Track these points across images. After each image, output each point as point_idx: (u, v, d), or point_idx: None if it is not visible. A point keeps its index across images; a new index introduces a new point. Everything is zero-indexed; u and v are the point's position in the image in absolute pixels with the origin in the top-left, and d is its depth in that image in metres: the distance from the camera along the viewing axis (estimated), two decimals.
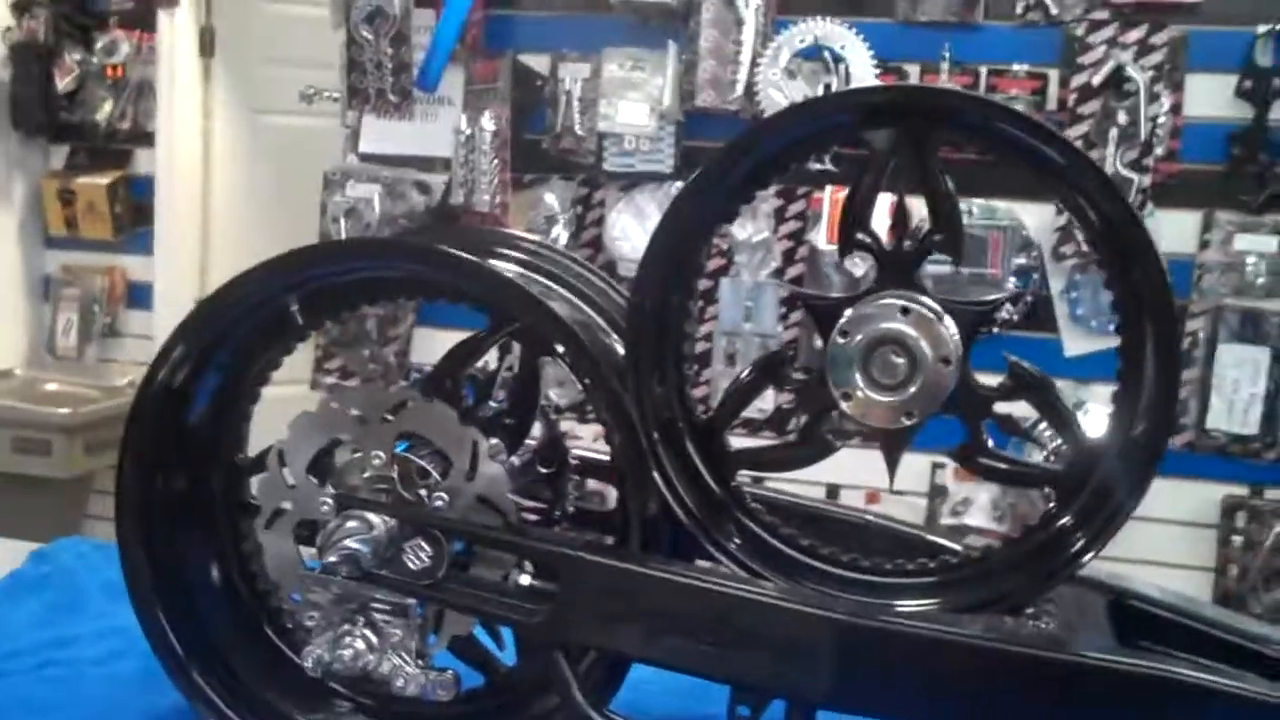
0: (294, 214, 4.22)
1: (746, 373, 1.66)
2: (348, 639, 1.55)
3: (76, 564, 2.34)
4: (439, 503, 1.57)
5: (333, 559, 1.51)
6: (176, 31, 4.84)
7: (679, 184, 3.79)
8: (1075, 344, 3.54)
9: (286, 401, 1.72)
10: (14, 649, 1.96)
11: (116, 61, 4.95)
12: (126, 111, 4.98)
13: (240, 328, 1.66)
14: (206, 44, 4.93)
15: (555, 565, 1.49)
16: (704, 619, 1.43)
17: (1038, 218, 3.67)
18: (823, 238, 3.63)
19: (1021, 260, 3.58)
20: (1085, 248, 3.44)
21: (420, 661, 1.57)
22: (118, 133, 5.02)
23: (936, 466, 3.70)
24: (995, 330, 3.51)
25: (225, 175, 5.05)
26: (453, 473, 1.57)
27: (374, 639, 1.55)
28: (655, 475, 1.54)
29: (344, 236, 3.79)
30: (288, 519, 1.62)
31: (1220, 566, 3.62)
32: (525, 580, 1.51)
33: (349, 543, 1.51)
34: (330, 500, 1.58)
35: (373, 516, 1.54)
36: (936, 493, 3.72)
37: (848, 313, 1.55)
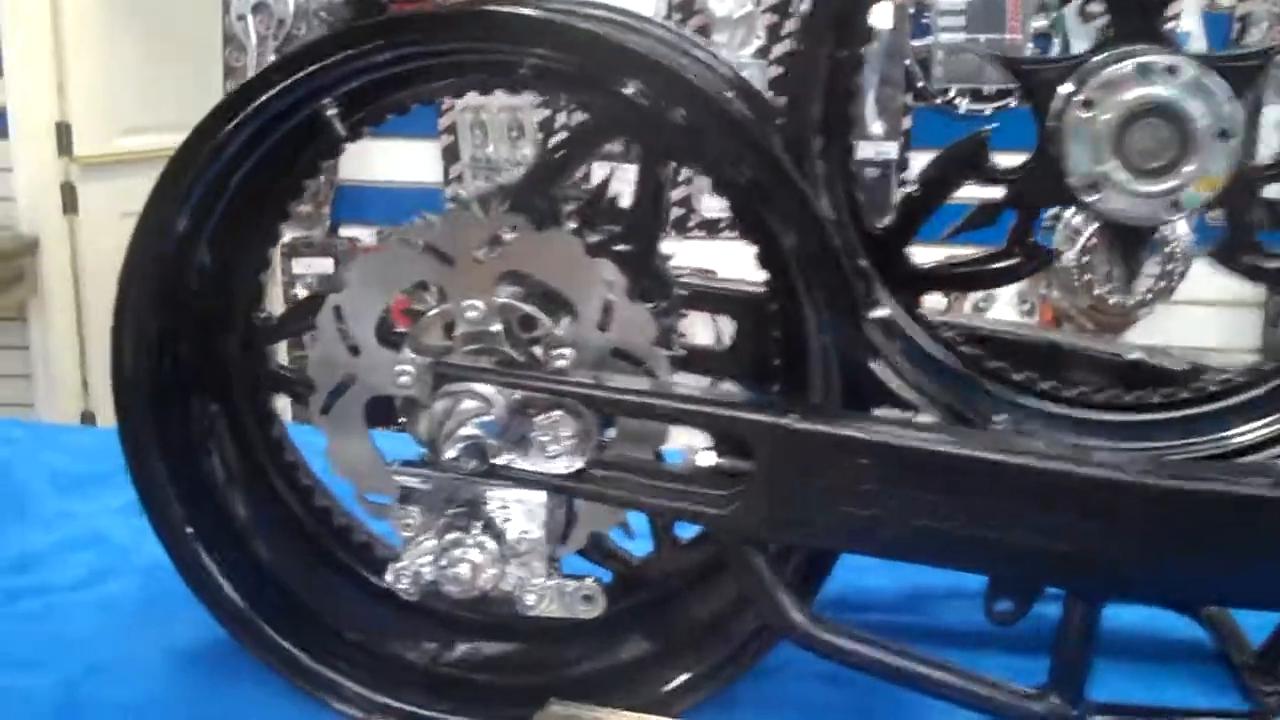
0: (172, 14, 3.64)
1: (932, 167, 1.27)
2: (458, 551, 1.16)
3: (8, 454, 1.89)
4: (560, 363, 1.18)
5: (452, 453, 1.11)
6: None
7: None
8: None
9: None
10: None
11: None
12: None
13: (253, 150, 1.22)
14: None
15: (750, 438, 1.11)
16: (968, 495, 1.07)
17: None
18: None
19: (1041, 23, 3.19)
20: None
21: (552, 570, 1.19)
22: None
23: None
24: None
25: None
26: (575, 322, 1.18)
27: (494, 547, 1.17)
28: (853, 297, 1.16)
29: (254, 35, 3.23)
30: (353, 398, 1.21)
31: None
32: (708, 460, 1.13)
33: (469, 428, 1.11)
34: (414, 369, 1.18)
35: (487, 389, 1.14)
36: None
37: (1087, 78, 1.17)
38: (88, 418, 4.36)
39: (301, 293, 3.62)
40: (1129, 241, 1.23)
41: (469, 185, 3.51)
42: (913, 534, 1.09)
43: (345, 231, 3.72)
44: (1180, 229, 3.04)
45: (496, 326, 1.18)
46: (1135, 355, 1.41)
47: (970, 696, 1.14)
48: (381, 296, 1.19)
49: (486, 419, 1.11)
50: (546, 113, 3.53)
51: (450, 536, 1.16)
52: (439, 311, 1.19)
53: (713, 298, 1.40)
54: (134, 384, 1.25)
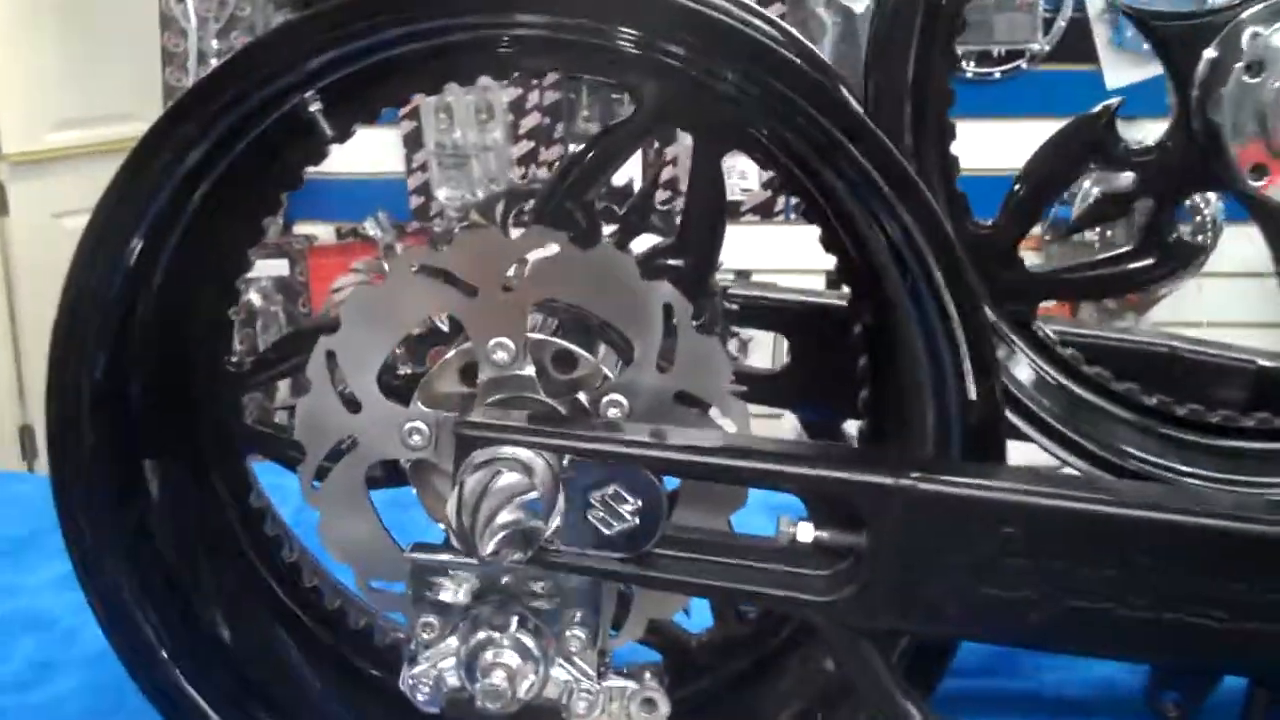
0: None
1: (1047, 153, 1.05)
2: (489, 653, 0.93)
3: None
4: (613, 411, 0.95)
5: (491, 546, 0.87)
6: None
7: None
8: (1118, 74, 2.96)
9: None
10: None
11: None
12: None
13: (220, 156, 0.97)
14: None
15: (862, 505, 0.88)
16: (1150, 567, 0.85)
17: None
18: None
19: None
20: None
21: (604, 668, 0.96)
22: None
23: None
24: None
25: None
26: (632, 360, 0.95)
27: (534, 645, 0.93)
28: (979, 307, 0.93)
29: (193, 17, 2.95)
30: (353, 464, 0.98)
31: None
32: (807, 534, 0.90)
33: (509, 512, 0.87)
34: (427, 428, 0.95)
35: (525, 453, 0.90)
36: None
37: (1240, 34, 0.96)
38: (26, 432, 4.07)
39: (255, 299, 3.34)
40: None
41: (434, 175, 3.24)
42: (1072, 618, 0.87)
43: (300, 229, 3.44)
44: (1211, 196, 2.83)
45: (529, 370, 0.95)
46: (1265, 362, 1.19)
47: None
48: (386, 338, 0.95)
49: (530, 497, 0.87)
50: (518, 92, 3.26)
51: (480, 636, 0.93)
52: (457, 353, 0.96)
53: (770, 312, 1.17)
54: (73, 437, 1.00)
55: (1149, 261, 1.04)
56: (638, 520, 0.90)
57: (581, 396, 0.96)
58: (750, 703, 1.10)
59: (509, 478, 0.87)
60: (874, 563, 0.88)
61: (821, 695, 1.04)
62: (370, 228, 3.18)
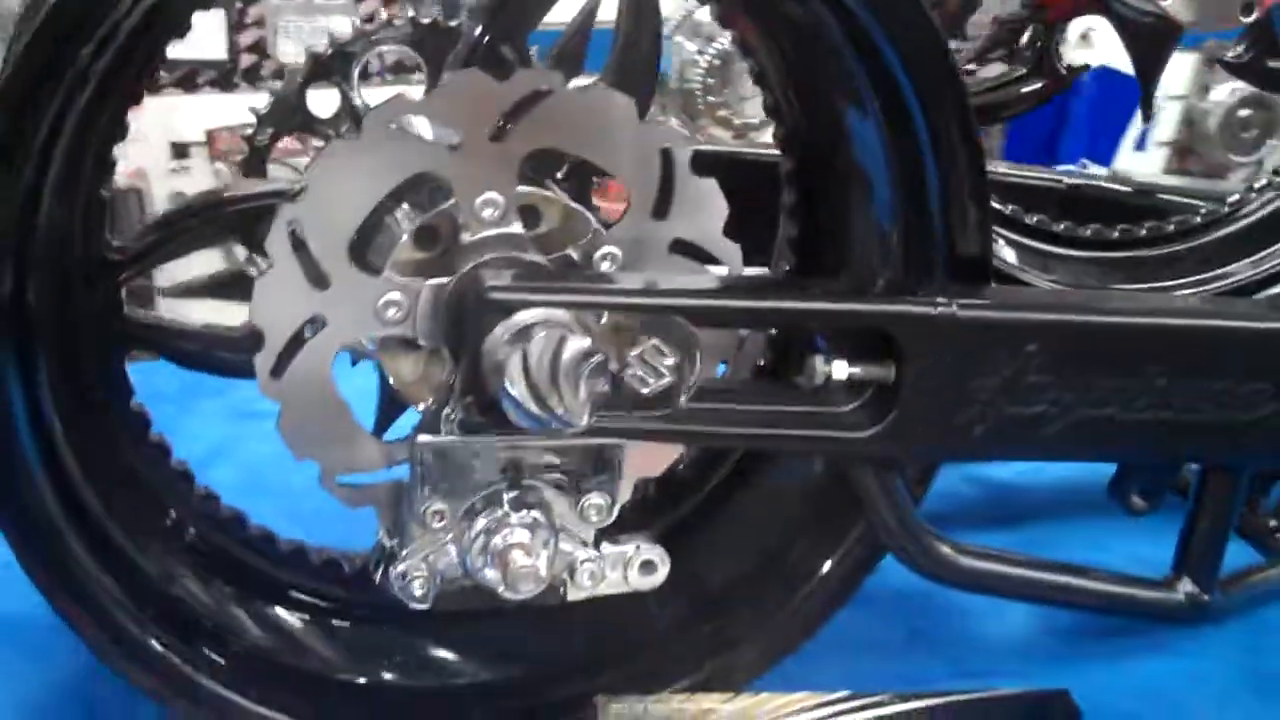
0: None
1: None
2: (500, 536, 0.85)
3: None
4: (606, 265, 0.88)
5: (586, 414, 0.79)
6: None
7: None
8: None
9: None
10: None
11: None
12: None
13: None
14: None
15: (901, 336, 0.87)
16: (1157, 370, 0.90)
17: None
18: None
19: None
20: None
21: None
22: None
23: None
24: None
25: None
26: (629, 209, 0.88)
27: (544, 522, 0.87)
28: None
29: None
30: (320, 348, 0.86)
31: None
32: (843, 371, 0.88)
33: (593, 376, 0.79)
34: (403, 297, 0.85)
35: (564, 317, 0.83)
36: None
37: None
38: None
39: None
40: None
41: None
42: (1081, 427, 0.90)
43: None
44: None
45: (516, 226, 0.87)
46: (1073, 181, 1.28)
47: (1110, 599, 1.00)
48: (359, 203, 0.84)
49: (599, 359, 0.80)
50: None
51: (484, 521, 0.86)
52: (439, 213, 0.86)
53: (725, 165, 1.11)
54: None
55: (1039, 84, 1.09)
56: (675, 375, 0.85)
57: (571, 251, 0.89)
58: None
59: (578, 341, 0.79)
60: (910, 393, 0.88)
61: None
62: None
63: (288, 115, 1.30)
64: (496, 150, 0.84)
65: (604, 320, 0.84)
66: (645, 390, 0.84)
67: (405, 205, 0.88)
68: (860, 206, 0.95)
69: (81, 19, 0.77)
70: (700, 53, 2.90)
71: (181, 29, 0.85)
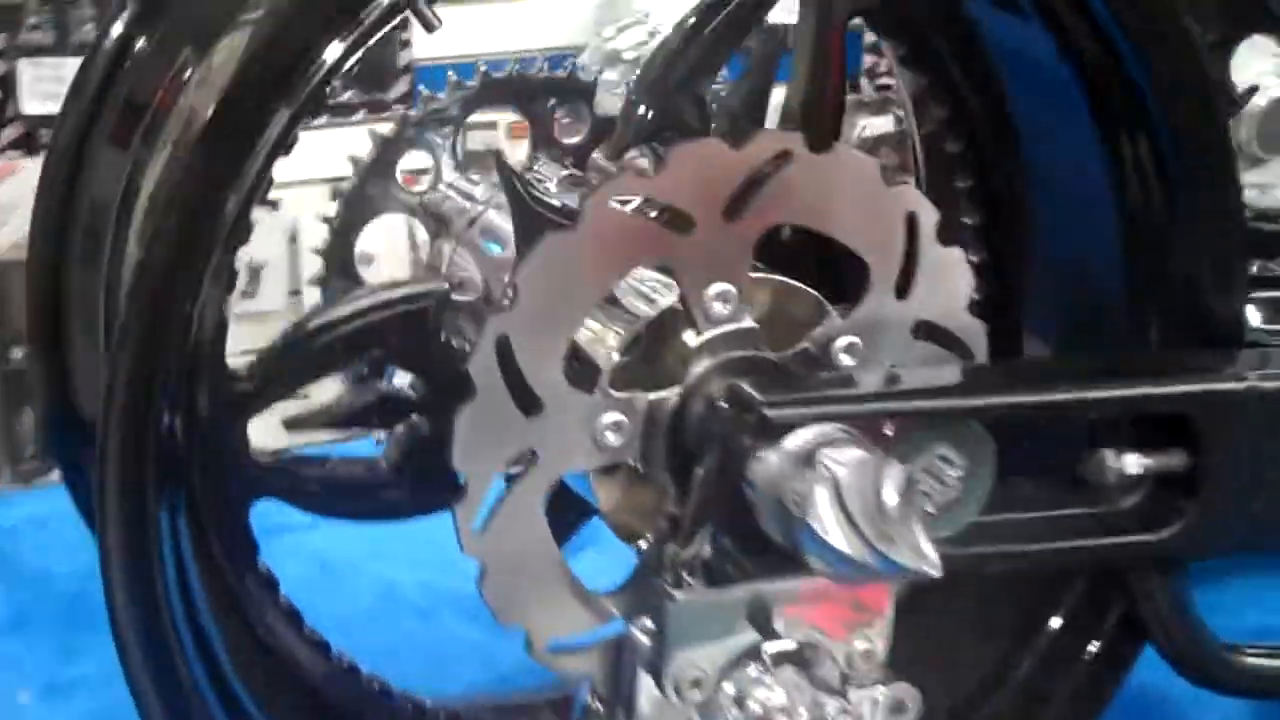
0: None
1: None
2: (755, 700, 0.70)
3: None
4: (845, 358, 0.74)
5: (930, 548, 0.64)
6: None
7: None
8: None
9: None
10: None
11: None
12: None
13: None
14: None
15: (1200, 417, 0.74)
16: None
17: None
18: None
19: None
20: None
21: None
22: None
23: None
24: None
25: None
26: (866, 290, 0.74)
27: (795, 677, 0.72)
28: None
29: None
30: (529, 489, 0.70)
31: None
32: (1137, 465, 0.75)
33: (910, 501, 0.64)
34: (625, 417, 0.69)
35: (835, 432, 0.68)
36: None
37: None
38: None
39: None
40: None
41: None
42: None
43: None
44: None
45: (748, 321, 0.72)
46: None
47: None
48: (579, 306, 0.68)
49: (904, 478, 0.65)
50: None
51: (734, 681, 0.71)
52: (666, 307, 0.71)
53: None
54: None
55: None
56: (962, 486, 0.71)
57: (806, 344, 0.74)
58: None
59: (896, 468, 0.64)
60: (1212, 482, 0.75)
61: None
62: None
63: None
64: (731, 231, 0.70)
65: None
66: (929, 509, 0.70)
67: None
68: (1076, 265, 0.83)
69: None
70: None
71: None
